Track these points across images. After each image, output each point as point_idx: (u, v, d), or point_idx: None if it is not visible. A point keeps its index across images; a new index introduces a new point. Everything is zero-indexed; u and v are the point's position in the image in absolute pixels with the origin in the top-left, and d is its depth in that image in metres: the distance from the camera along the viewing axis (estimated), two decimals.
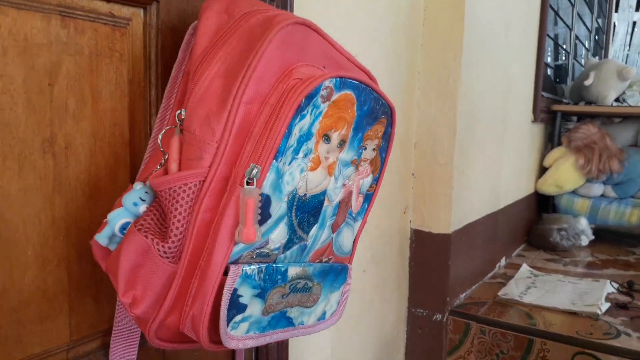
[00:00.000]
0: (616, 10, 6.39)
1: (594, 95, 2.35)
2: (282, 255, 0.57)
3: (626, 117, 2.38)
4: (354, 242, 0.71)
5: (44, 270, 0.56)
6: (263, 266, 0.54)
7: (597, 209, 2.19)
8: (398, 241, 1.31)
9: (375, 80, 0.68)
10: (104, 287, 0.62)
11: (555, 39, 2.51)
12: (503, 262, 1.80)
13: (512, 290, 1.49)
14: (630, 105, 2.38)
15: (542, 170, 2.25)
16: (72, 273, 0.59)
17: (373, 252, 1.19)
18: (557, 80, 2.73)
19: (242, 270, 0.51)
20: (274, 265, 0.56)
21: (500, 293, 1.46)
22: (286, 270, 0.58)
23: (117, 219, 0.51)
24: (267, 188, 0.51)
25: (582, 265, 1.86)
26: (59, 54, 0.54)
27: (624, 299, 1.47)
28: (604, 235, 2.26)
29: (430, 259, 1.33)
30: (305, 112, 0.51)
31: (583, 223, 2.11)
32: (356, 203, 0.68)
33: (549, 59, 2.41)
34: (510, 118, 1.73)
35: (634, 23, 6.33)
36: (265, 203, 0.51)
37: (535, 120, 2.02)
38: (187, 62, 0.59)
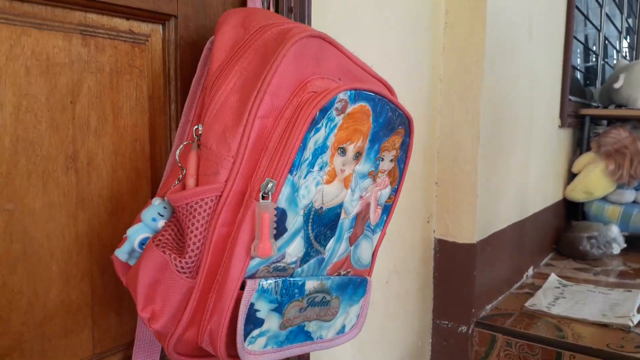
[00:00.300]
0: None
1: (624, 98, 2.29)
2: (299, 269, 0.57)
3: None
4: (373, 254, 0.70)
5: (68, 285, 0.58)
6: (280, 280, 0.54)
7: (629, 216, 2.12)
8: (421, 251, 1.29)
9: (393, 90, 0.68)
10: (126, 301, 0.63)
11: (583, 41, 2.46)
12: (531, 271, 1.76)
13: (540, 300, 1.46)
14: None
15: (571, 176, 2.20)
16: (95, 287, 0.60)
17: (396, 262, 1.18)
18: (587, 83, 2.68)
19: (259, 284, 0.52)
20: (291, 279, 0.56)
21: (527, 304, 1.43)
22: (303, 284, 0.58)
23: (137, 234, 0.51)
24: (282, 202, 0.51)
25: (614, 275, 1.80)
26: (80, 72, 0.56)
27: None
28: (637, 243, 2.19)
29: (454, 269, 1.31)
30: (319, 125, 0.51)
31: (614, 231, 2.05)
32: (374, 215, 0.67)
33: (577, 62, 2.36)
34: (536, 123, 1.70)
35: None
36: (281, 217, 0.51)
37: (562, 125, 1.98)
38: (206, 77, 0.60)
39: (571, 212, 2.24)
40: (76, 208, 0.57)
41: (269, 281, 0.53)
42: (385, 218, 0.70)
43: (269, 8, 0.73)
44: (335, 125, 0.53)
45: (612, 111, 2.26)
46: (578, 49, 2.33)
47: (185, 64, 0.65)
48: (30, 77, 0.52)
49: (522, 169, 1.61)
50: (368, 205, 0.65)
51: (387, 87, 0.68)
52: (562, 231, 2.10)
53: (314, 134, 0.51)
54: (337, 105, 0.52)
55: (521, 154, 1.58)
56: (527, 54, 1.53)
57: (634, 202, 2.17)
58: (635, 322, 1.30)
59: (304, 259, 0.57)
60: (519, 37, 1.46)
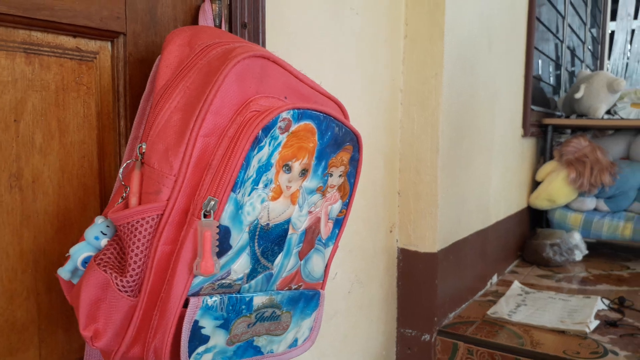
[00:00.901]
0: (613, 19, 6.43)
1: (585, 108, 2.36)
2: (247, 285, 0.58)
3: (618, 130, 2.39)
4: (326, 267, 0.71)
5: (12, 303, 0.57)
6: (226, 297, 0.55)
7: (590, 222, 2.19)
8: (385, 261, 1.31)
9: (343, 107, 0.69)
10: (74, 318, 0.63)
11: (548, 52, 2.53)
12: (495, 279, 1.80)
13: (502, 308, 1.49)
14: (621, 118, 2.38)
15: (535, 184, 2.26)
16: (41, 305, 0.60)
17: (358, 272, 1.19)
18: (554, 92, 2.75)
19: (203, 302, 0.52)
20: (237, 295, 0.57)
21: (489, 312, 1.46)
22: (251, 300, 0.58)
23: (79, 253, 0.51)
24: (225, 220, 0.51)
25: (575, 281, 1.85)
26: (24, 90, 0.55)
27: (614, 315, 1.46)
28: (598, 250, 2.25)
29: (417, 278, 1.33)
30: (263, 144, 0.52)
31: (576, 238, 2.11)
32: (325, 229, 0.68)
33: (540, 72, 2.42)
34: (498, 133, 1.74)
35: (633, 31, 6.37)
36: (225, 235, 0.52)
37: (525, 134, 2.03)
38: (153, 94, 0.60)
39: (535, 219, 2.30)
40: (20, 226, 0.57)
41: (214, 298, 0.53)
42: (337, 231, 0.71)
43: (221, 25, 0.73)
44: (279, 144, 0.54)
45: (572, 121, 2.33)
46: (540, 60, 2.39)
47: (135, 81, 0.66)
48: None
49: (484, 178, 1.64)
50: (318, 219, 0.66)
51: (337, 104, 0.69)
52: (527, 238, 2.14)
53: (257, 152, 0.52)
54: (280, 124, 0.53)
55: (483, 163, 1.62)
56: (487, 65, 1.57)
57: (595, 209, 2.23)
58: (592, 328, 1.34)
59: (251, 275, 0.58)
60: (479, 49, 1.49)
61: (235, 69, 0.51)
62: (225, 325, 0.55)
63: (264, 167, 0.53)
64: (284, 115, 0.53)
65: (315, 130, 0.58)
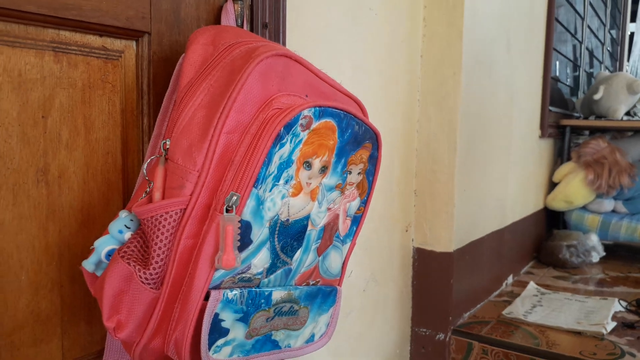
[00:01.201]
0: (633, 20, 6.34)
1: (604, 109, 2.34)
2: (266, 280, 0.59)
3: (637, 131, 2.36)
4: (343, 264, 0.72)
5: (38, 294, 0.59)
6: (245, 291, 0.56)
7: (608, 224, 2.16)
8: (400, 260, 1.31)
9: (363, 106, 0.70)
10: (97, 310, 0.64)
11: (566, 53, 2.51)
12: (510, 279, 1.79)
13: (517, 309, 1.48)
14: None
15: (552, 185, 2.24)
16: (64, 297, 0.61)
17: (374, 271, 1.20)
18: (572, 94, 2.72)
19: (224, 295, 0.53)
20: (257, 289, 0.58)
21: (504, 312, 1.45)
22: (270, 294, 0.59)
23: (103, 245, 0.53)
24: (247, 215, 0.52)
25: (592, 283, 1.83)
26: (52, 88, 0.57)
27: (631, 317, 1.45)
28: (616, 252, 2.23)
29: (432, 277, 1.33)
30: (284, 141, 0.53)
31: (593, 239, 2.09)
32: (343, 226, 0.69)
33: (557, 73, 2.40)
34: (515, 134, 1.73)
35: None
36: (246, 229, 0.53)
37: (543, 135, 2.01)
38: (177, 92, 0.62)
39: (552, 220, 2.28)
40: (46, 220, 0.58)
41: (234, 292, 0.54)
42: (355, 229, 0.72)
43: (243, 24, 0.74)
44: (300, 141, 0.55)
45: (591, 122, 2.31)
46: (557, 61, 2.37)
47: (159, 79, 0.67)
48: (1, 92, 0.53)
49: (501, 179, 1.64)
50: (337, 216, 0.67)
51: (356, 102, 0.70)
52: (543, 240, 2.13)
53: (279, 149, 0.53)
54: (302, 121, 0.54)
55: (500, 164, 1.61)
56: (505, 66, 1.57)
57: (613, 211, 2.21)
58: (609, 329, 1.33)
59: (271, 270, 0.59)
60: (497, 50, 1.49)
61: (258, 68, 0.52)
62: (244, 319, 0.56)
63: (285, 164, 0.54)
64: (306, 113, 0.54)
65: (335, 128, 0.58)
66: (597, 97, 2.31)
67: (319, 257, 0.66)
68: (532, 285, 1.71)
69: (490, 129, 1.50)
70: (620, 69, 4.40)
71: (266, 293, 0.59)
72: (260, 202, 0.53)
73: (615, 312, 1.48)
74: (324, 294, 0.68)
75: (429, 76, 1.28)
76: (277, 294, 0.60)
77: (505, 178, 1.67)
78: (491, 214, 1.57)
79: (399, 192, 1.28)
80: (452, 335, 1.32)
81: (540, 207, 2.16)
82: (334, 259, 0.69)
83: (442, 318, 1.31)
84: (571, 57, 2.66)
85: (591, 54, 3.39)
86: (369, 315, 1.20)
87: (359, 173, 0.67)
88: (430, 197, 1.31)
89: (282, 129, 0.52)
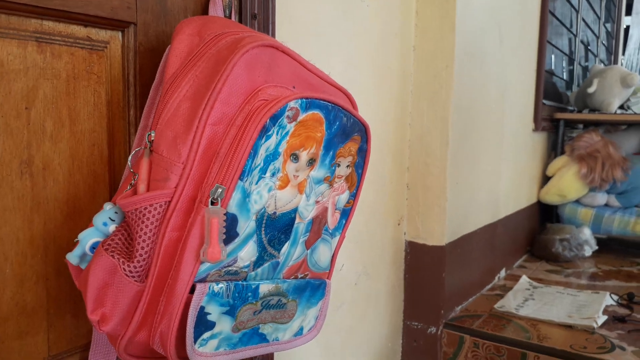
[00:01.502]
0: (628, 14, 6.35)
1: (598, 103, 2.34)
2: (253, 273, 0.58)
3: (631, 125, 2.37)
4: (333, 257, 0.72)
5: (23, 287, 0.58)
6: (232, 284, 0.55)
7: (601, 218, 2.17)
8: (392, 253, 1.31)
9: (352, 98, 0.69)
10: (83, 304, 0.63)
11: (561, 46, 2.51)
12: (503, 273, 1.79)
13: (509, 302, 1.49)
14: (634, 113, 2.35)
15: (546, 179, 2.24)
16: (50, 289, 0.61)
17: (365, 264, 1.20)
18: (567, 87, 2.72)
19: (209, 288, 0.53)
20: (244, 282, 0.57)
21: (496, 305, 1.45)
22: (257, 288, 0.59)
23: (88, 238, 0.52)
24: (233, 207, 0.52)
25: (584, 277, 1.84)
26: (35, 79, 0.56)
27: (622, 311, 1.45)
28: (609, 245, 2.23)
29: (424, 271, 1.33)
30: (270, 133, 0.52)
31: (586, 233, 2.09)
32: (332, 219, 0.69)
33: (553, 67, 2.40)
34: (508, 127, 1.73)
35: None
36: (232, 222, 0.52)
37: (536, 129, 2.01)
38: (163, 83, 0.61)
39: (546, 214, 2.28)
40: (31, 212, 0.58)
41: (221, 285, 0.54)
42: (344, 222, 0.71)
43: (231, 15, 0.74)
44: (287, 133, 0.54)
45: (584, 115, 2.31)
46: (552, 55, 2.37)
47: (145, 70, 0.66)
48: None
49: (494, 172, 1.64)
50: (325, 209, 0.66)
51: (345, 94, 0.69)
52: (536, 233, 2.13)
53: (265, 141, 0.52)
54: (289, 113, 0.53)
55: (492, 157, 1.61)
56: (498, 59, 1.56)
57: (606, 205, 2.21)
58: (600, 323, 1.34)
59: (258, 263, 0.58)
60: (490, 43, 1.48)
61: (244, 58, 0.51)
62: (231, 312, 0.56)
63: (272, 156, 0.54)
64: (292, 104, 0.53)
65: (323, 120, 0.58)
66: (591, 90, 2.31)
67: (308, 250, 0.66)
68: (524, 279, 1.72)
69: (483, 122, 1.50)
70: (615, 62, 4.41)
71: (253, 286, 0.58)
72: (246, 195, 0.53)
73: (607, 306, 1.48)
74: (312, 287, 0.68)
75: (422, 69, 1.27)
76: (265, 287, 0.60)
77: (498, 171, 1.67)
78: (484, 208, 1.57)
79: (391, 185, 1.27)
80: (444, 328, 1.32)
81: (534, 200, 2.16)
82: (322, 252, 0.69)
83: (434, 312, 1.32)
84: (566, 51, 2.66)
85: (586, 48, 3.39)
86: (360, 309, 1.20)
87: (347, 166, 0.67)
88: (422, 191, 1.31)
89: (268, 120, 0.52)
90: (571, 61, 2.84)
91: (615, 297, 1.56)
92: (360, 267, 1.18)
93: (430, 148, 1.28)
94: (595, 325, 1.31)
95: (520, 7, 1.73)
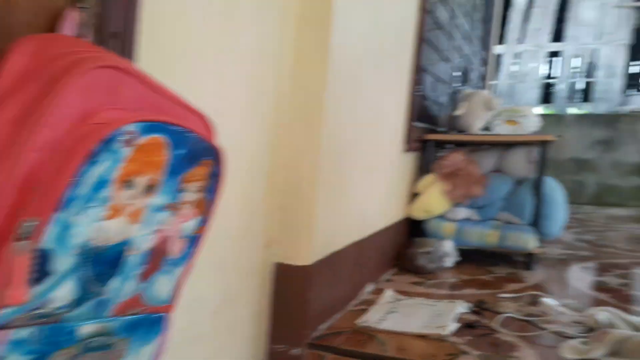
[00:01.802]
0: (501, 42, 7.01)
1: (465, 125, 2.53)
2: (73, 313, 0.52)
3: (492, 145, 2.57)
4: (176, 288, 0.67)
5: None
6: (44, 328, 0.49)
7: (462, 231, 2.33)
8: (259, 277, 1.28)
9: (206, 120, 0.66)
10: None
11: (436, 72, 2.67)
12: (370, 288, 1.85)
13: (372, 316, 1.53)
14: (494, 134, 2.55)
15: (415, 196, 2.36)
16: None
17: (227, 291, 1.15)
18: (443, 110, 2.90)
19: (12, 335, 0.46)
20: (58, 325, 0.51)
21: (359, 321, 1.49)
22: (73, 330, 0.53)
23: None
24: (48, 242, 0.46)
25: (445, 287, 1.95)
26: None
27: (473, 318, 1.56)
28: (470, 256, 2.39)
29: (291, 292, 1.32)
30: (100, 159, 0.47)
31: (448, 245, 2.23)
32: (176, 248, 0.65)
33: (430, 91, 2.54)
34: (381, 149, 1.79)
35: (518, 54, 7.00)
36: (45, 259, 0.47)
37: (406, 150, 2.11)
38: None
39: (414, 229, 2.40)
40: None
41: (27, 330, 0.48)
42: (191, 250, 0.68)
43: (85, 34, 0.66)
44: (120, 158, 0.50)
45: (449, 136, 2.47)
46: (429, 79, 2.51)
47: None
48: None
49: (365, 191, 1.68)
50: (167, 239, 0.62)
51: (199, 117, 0.65)
52: (405, 248, 2.23)
53: (93, 168, 0.47)
54: (124, 136, 0.49)
55: (364, 178, 1.66)
56: (372, 84, 1.61)
57: (468, 219, 2.39)
58: (448, 331, 1.41)
59: (79, 302, 0.53)
60: (365, 69, 1.52)
61: (78, 80, 0.47)
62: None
63: (101, 184, 0.49)
64: (129, 128, 0.49)
65: (166, 144, 0.54)
66: (458, 113, 2.49)
67: (143, 283, 0.61)
68: (388, 292, 1.78)
69: (356, 144, 1.53)
70: (485, 87, 4.80)
71: (68, 329, 0.53)
72: (65, 228, 0.47)
73: (461, 314, 1.58)
74: (148, 323, 0.63)
75: (297, 92, 1.27)
76: (87, 328, 0.54)
77: (370, 191, 1.73)
78: (353, 226, 1.60)
79: (264, 207, 1.25)
80: (307, 349, 1.32)
81: (402, 216, 2.26)
82: (162, 285, 0.64)
83: (299, 332, 1.31)
84: (443, 76, 2.83)
85: (462, 73, 3.65)
86: (221, 338, 1.15)
87: (196, 191, 0.63)
88: (293, 213, 1.30)
89: (97, 145, 0.47)
90: (448, 86, 3.05)
91: (469, 305, 1.67)
92: (221, 295, 1.13)
93: (302, 170, 1.28)
94: (443, 333, 1.38)
95: (397, 34, 1.81)
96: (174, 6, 0.86)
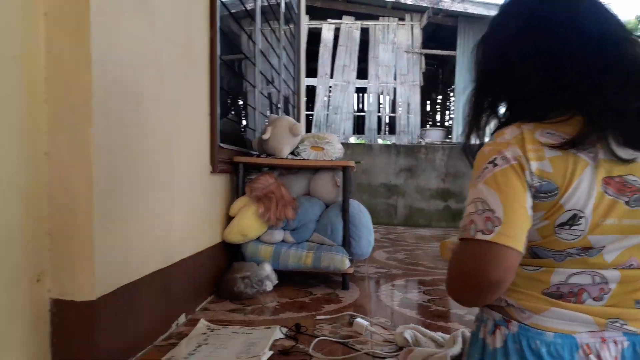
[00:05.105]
0: (315, 76, 7.42)
1: (273, 148, 2.55)
2: None
3: (300, 169, 2.64)
4: None
5: None
6: None
7: (279, 254, 2.32)
8: (31, 317, 1.09)
9: None
10: None
11: (248, 99, 2.68)
12: (183, 319, 1.72)
13: (180, 351, 1.41)
14: (302, 158, 2.63)
15: (229, 219, 2.30)
16: None
17: None
18: (254, 135, 2.91)
19: None
20: None
21: (165, 357, 1.36)
22: None
23: None
24: None
25: (265, 312, 1.90)
26: None
27: (288, 343, 1.52)
28: (290, 278, 2.40)
29: (74, 331, 1.15)
30: None
31: (267, 269, 2.20)
32: None
33: (243, 116, 2.53)
34: (180, 169, 1.70)
35: (330, 87, 7.45)
36: None
37: (214, 171, 2.05)
38: None
39: (232, 254, 2.33)
40: None
41: None
42: None
43: None
44: None
45: (259, 159, 2.48)
46: (241, 104, 2.50)
47: None
48: None
49: (164, 214, 1.57)
50: None
51: None
52: (223, 273, 2.14)
53: None
54: None
55: (161, 199, 1.55)
56: (160, 100, 1.52)
57: (283, 241, 2.39)
58: (264, 359, 1.36)
59: None
60: (147, 82, 1.43)
61: None
62: None
63: None
64: None
65: None
66: (265, 137, 2.51)
67: None
68: (202, 322, 1.68)
69: (145, 162, 1.42)
70: (299, 114, 5.00)
71: None
72: None
73: (275, 340, 1.53)
74: None
75: (57, 101, 1.13)
76: None
77: (170, 213, 1.62)
78: (151, 253, 1.47)
79: (25, 235, 1.07)
80: None
81: (218, 241, 2.18)
82: None
83: None
84: (253, 104, 2.86)
85: (273, 102, 3.74)
86: None
87: None
88: (67, 239, 1.14)
89: None
90: (259, 112, 3.08)
91: (284, 330, 1.63)
92: None
93: (73, 190, 1.14)
94: None
95: (185, 52, 1.75)
96: None
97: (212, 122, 2.03)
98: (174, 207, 1.64)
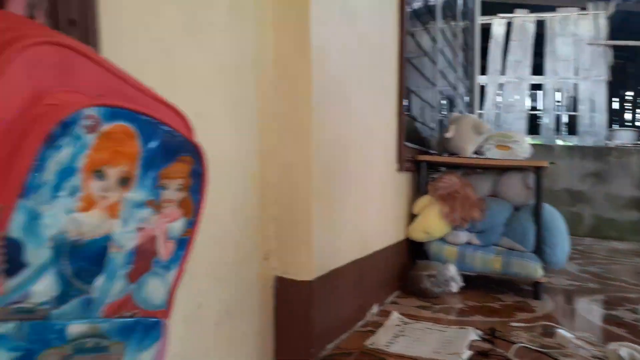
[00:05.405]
0: (483, 73, 7.14)
1: (455, 147, 2.52)
2: (58, 311, 0.49)
3: (486, 169, 2.55)
4: (170, 294, 0.64)
5: None
6: (27, 324, 0.46)
7: (464, 255, 2.27)
8: (260, 290, 1.24)
9: (182, 116, 0.64)
10: None
11: (427, 98, 2.71)
12: (375, 309, 1.80)
13: (380, 339, 1.48)
14: (487, 158, 2.54)
15: (413, 217, 2.32)
16: None
17: (228, 302, 1.11)
18: (432, 134, 2.92)
19: None
20: (44, 322, 0.48)
21: (367, 342, 1.44)
22: (64, 328, 0.50)
23: None
24: (16, 231, 0.44)
25: (453, 312, 1.89)
26: None
27: (486, 346, 1.50)
28: (475, 282, 2.33)
29: (294, 307, 1.28)
30: (61, 143, 0.45)
31: (452, 270, 2.17)
32: (165, 250, 0.62)
33: (421, 115, 2.56)
34: (373, 166, 1.78)
35: (501, 85, 7.12)
36: (15, 249, 0.44)
37: (400, 169, 2.10)
38: None
39: (415, 251, 2.35)
40: None
41: (9, 325, 0.45)
42: (181, 253, 0.65)
43: (36, 16, 0.65)
44: (85, 145, 0.48)
45: (442, 158, 2.47)
46: (420, 104, 2.54)
47: None
48: None
49: (360, 208, 1.66)
50: (153, 238, 0.60)
51: (175, 112, 0.64)
52: (408, 269, 2.18)
53: (54, 153, 0.45)
54: (85, 121, 0.47)
55: (359, 194, 1.64)
56: (358, 100, 1.62)
57: (468, 243, 2.33)
58: (464, 358, 1.36)
59: (63, 299, 0.50)
60: (349, 83, 1.53)
61: (22, 55, 0.45)
62: (28, 357, 0.47)
63: (67, 172, 0.47)
64: (90, 112, 0.47)
65: (135, 134, 0.52)
66: (448, 135, 2.50)
67: (133, 284, 0.58)
68: (395, 315, 1.73)
69: (348, 159, 1.53)
70: (472, 113, 4.86)
71: (58, 327, 0.49)
72: (34, 217, 0.45)
73: (472, 341, 1.52)
74: (144, 327, 0.60)
75: (283, 103, 1.27)
76: (76, 328, 0.51)
77: (365, 207, 1.70)
78: (351, 243, 1.57)
79: (257, 218, 1.23)
80: None
81: (402, 237, 2.23)
82: (154, 288, 0.61)
83: (304, 351, 1.26)
84: (430, 101, 2.86)
85: (449, 100, 3.70)
86: (223, 352, 1.10)
87: (178, 189, 0.61)
88: (290, 225, 1.28)
89: (56, 128, 0.45)
90: (437, 111, 3.08)
91: (479, 332, 1.60)
92: (221, 305, 1.09)
93: (295, 181, 1.27)
94: None
95: (379, 52, 1.83)
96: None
97: (399, 121, 2.08)
98: (368, 202, 1.73)
